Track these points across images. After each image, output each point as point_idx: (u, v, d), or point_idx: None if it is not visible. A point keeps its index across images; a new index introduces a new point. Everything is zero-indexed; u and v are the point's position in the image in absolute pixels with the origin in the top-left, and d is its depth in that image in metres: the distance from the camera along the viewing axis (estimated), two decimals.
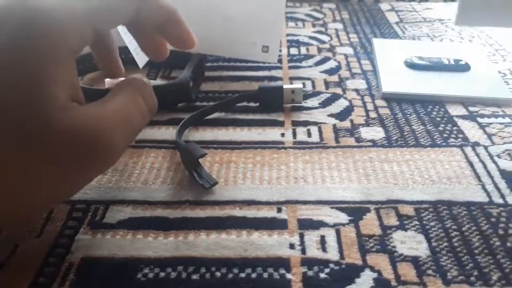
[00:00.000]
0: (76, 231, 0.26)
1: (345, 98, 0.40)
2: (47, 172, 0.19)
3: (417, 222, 0.26)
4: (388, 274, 0.23)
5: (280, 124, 0.36)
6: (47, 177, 0.19)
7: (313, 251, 0.24)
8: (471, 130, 0.35)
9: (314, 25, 0.59)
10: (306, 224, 0.26)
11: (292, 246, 0.25)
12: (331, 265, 0.23)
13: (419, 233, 0.25)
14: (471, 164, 0.31)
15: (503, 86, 0.41)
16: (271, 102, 0.39)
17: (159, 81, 0.44)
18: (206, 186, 0.29)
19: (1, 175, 0.18)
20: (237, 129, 0.36)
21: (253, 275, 0.23)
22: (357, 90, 0.42)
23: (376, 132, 0.35)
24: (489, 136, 0.34)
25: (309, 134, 0.35)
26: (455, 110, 0.38)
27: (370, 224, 0.26)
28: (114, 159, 0.22)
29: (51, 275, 0.23)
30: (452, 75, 0.42)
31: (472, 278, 0.23)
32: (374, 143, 0.34)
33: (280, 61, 0.48)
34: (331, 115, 0.38)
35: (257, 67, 0.46)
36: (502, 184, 0.29)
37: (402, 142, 0.34)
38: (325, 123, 0.36)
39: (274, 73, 0.45)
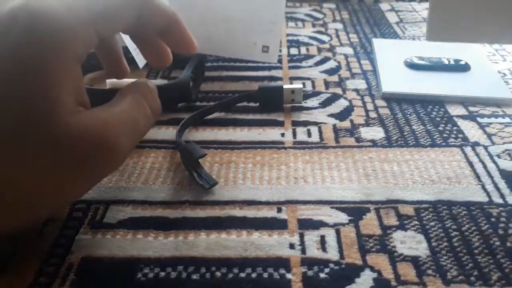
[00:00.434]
0: (76, 231, 0.26)
1: (345, 98, 0.40)
2: (56, 174, 0.20)
3: (417, 222, 0.26)
4: (388, 274, 0.23)
5: (280, 124, 0.36)
6: (56, 179, 0.20)
7: (313, 251, 0.24)
8: (471, 130, 0.35)
9: (314, 25, 0.59)
10: (306, 224, 0.26)
11: (292, 246, 0.25)
12: (331, 265, 0.23)
13: (419, 233, 0.25)
14: (471, 164, 0.31)
15: (503, 86, 0.41)
16: (271, 102, 0.39)
17: (159, 81, 0.44)
18: (206, 186, 0.29)
19: (13, 178, 0.19)
20: (237, 129, 0.36)
21: (253, 275, 0.23)
22: (357, 90, 0.42)
23: (376, 132, 0.35)
24: (489, 136, 0.34)
25: (309, 134, 0.35)
26: (455, 110, 0.38)
27: (370, 224, 0.26)
28: (119, 161, 0.23)
29: (51, 275, 0.23)
30: (452, 75, 0.42)
31: (472, 278, 0.23)
32: (374, 143, 0.34)
33: (280, 61, 0.48)
34: (331, 115, 0.38)
35: (257, 67, 0.46)
36: (502, 184, 0.29)
37: (402, 142, 0.34)
38: (325, 123, 0.36)
39: (274, 73, 0.45)
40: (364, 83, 0.43)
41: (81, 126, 0.20)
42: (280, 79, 0.44)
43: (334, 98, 0.40)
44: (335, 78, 0.44)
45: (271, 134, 0.35)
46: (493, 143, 0.33)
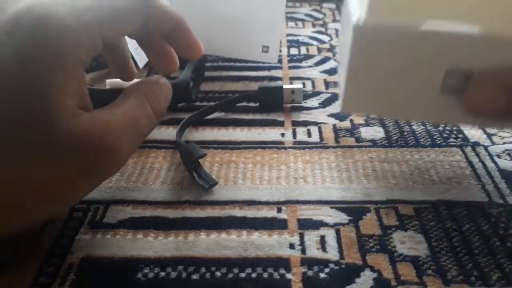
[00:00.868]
0: (76, 231, 0.26)
1: None
2: (56, 176, 0.20)
3: (417, 222, 0.26)
4: (388, 274, 0.23)
5: (280, 124, 0.36)
6: (56, 181, 0.20)
7: (313, 251, 0.24)
8: (471, 130, 0.35)
9: (314, 25, 0.59)
10: (306, 224, 0.26)
11: (292, 246, 0.25)
12: (331, 265, 0.23)
13: (419, 233, 0.25)
14: (471, 164, 0.31)
15: None
16: (271, 102, 0.39)
17: None
18: (206, 186, 0.29)
19: (13, 180, 0.19)
20: (237, 129, 0.36)
21: (253, 275, 0.23)
22: None
23: (376, 132, 0.35)
24: (489, 136, 0.34)
25: (309, 134, 0.35)
26: None
27: (370, 224, 0.26)
28: (120, 163, 0.23)
29: (51, 275, 0.23)
30: None
31: (472, 278, 0.23)
32: (374, 143, 0.34)
33: (280, 61, 0.48)
34: (331, 115, 0.38)
35: (257, 67, 0.46)
36: (502, 184, 0.29)
37: (402, 142, 0.34)
38: (325, 123, 0.36)
39: (274, 73, 0.45)
40: None
41: (81, 128, 0.20)
42: (280, 79, 0.44)
43: (334, 98, 0.40)
44: (335, 78, 0.44)
45: (271, 134, 0.35)
46: (493, 143, 0.33)
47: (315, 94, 0.41)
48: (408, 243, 0.25)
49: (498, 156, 0.32)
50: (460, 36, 0.21)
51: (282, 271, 0.23)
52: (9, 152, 0.19)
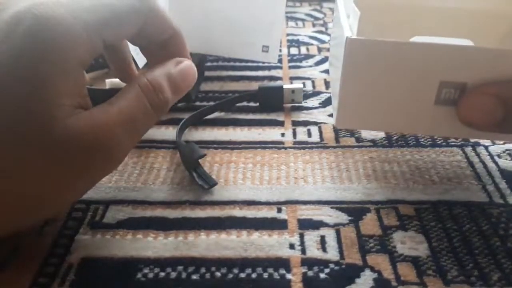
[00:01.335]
0: (76, 231, 0.26)
1: None
2: (52, 176, 0.20)
3: (417, 222, 0.26)
4: (388, 274, 0.23)
5: (280, 124, 0.36)
6: (52, 181, 0.20)
7: (313, 251, 0.24)
8: None
9: (314, 25, 0.59)
10: (306, 224, 0.26)
11: (292, 246, 0.25)
12: (331, 265, 0.23)
13: (419, 233, 0.25)
14: (471, 164, 0.31)
15: None
16: (271, 102, 0.38)
17: None
18: (206, 186, 0.29)
19: (8, 180, 0.19)
20: (237, 129, 0.36)
21: (253, 275, 0.23)
22: None
23: (376, 132, 0.35)
24: None
25: (309, 134, 0.35)
26: None
27: (370, 224, 0.26)
28: (117, 162, 0.22)
29: (51, 275, 0.23)
30: None
31: (472, 278, 0.23)
32: (374, 143, 0.34)
33: (280, 61, 0.48)
34: (331, 115, 0.38)
35: (257, 67, 0.46)
36: (502, 184, 0.29)
37: (403, 142, 0.34)
38: (325, 123, 0.36)
39: (274, 73, 0.45)
40: None
41: (77, 128, 0.20)
42: (280, 79, 0.44)
43: None
44: None
45: (271, 134, 0.35)
46: (494, 143, 0.33)
47: (315, 94, 0.41)
48: (408, 243, 0.25)
49: (499, 156, 0.32)
50: (451, 48, 0.21)
51: (282, 271, 0.23)
52: (6, 151, 0.19)
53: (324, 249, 0.25)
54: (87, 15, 0.21)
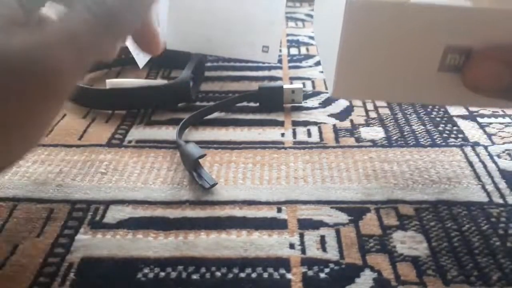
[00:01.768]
0: (76, 231, 0.26)
1: None
2: None
3: (417, 222, 0.26)
4: (388, 274, 0.23)
5: (280, 124, 0.36)
6: None
7: (313, 251, 0.24)
8: (471, 130, 0.35)
9: None
10: (306, 224, 0.26)
11: (292, 246, 0.25)
12: (331, 265, 0.23)
13: (419, 233, 0.25)
14: (471, 164, 0.31)
15: None
16: (271, 102, 0.39)
17: (159, 81, 0.44)
18: (206, 186, 0.29)
19: None
20: (237, 129, 0.36)
21: (253, 275, 0.23)
22: None
23: (376, 132, 0.35)
24: (489, 136, 0.34)
25: (309, 134, 0.35)
26: (455, 110, 0.38)
27: (370, 224, 0.26)
28: (61, 90, 0.18)
29: (51, 275, 0.23)
30: None
31: (472, 278, 0.23)
32: (374, 143, 0.34)
33: (280, 61, 0.48)
34: (331, 115, 0.38)
35: (257, 67, 0.46)
36: (502, 184, 0.29)
37: (402, 142, 0.34)
38: (325, 123, 0.36)
39: (274, 73, 0.45)
40: None
41: (11, 46, 0.16)
42: (280, 79, 0.44)
43: (334, 98, 0.40)
44: None
45: (271, 134, 0.35)
46: (493, 143, 0.33)
47: (315, 94, 0.41)
48: (408, 243, 0.25)
49: (498, 156, 0.32)
50: (458, 9, 0.20)
51: (282, 271, 0.23)
52: None
53: (324, 249, 0.25)
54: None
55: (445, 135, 0.35)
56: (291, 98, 0.38)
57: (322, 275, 0.23)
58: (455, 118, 0.37)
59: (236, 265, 0.23)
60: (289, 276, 0.23)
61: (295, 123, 0.36)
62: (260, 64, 0.46)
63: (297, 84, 0.39)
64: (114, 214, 0.27)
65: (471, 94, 0.22)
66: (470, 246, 0.25)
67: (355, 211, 0.27)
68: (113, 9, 0.19)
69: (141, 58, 0.43)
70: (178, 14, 0.41)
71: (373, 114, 0.38)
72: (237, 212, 0.27)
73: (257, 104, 0.39)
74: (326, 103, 0.40)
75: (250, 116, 0.38)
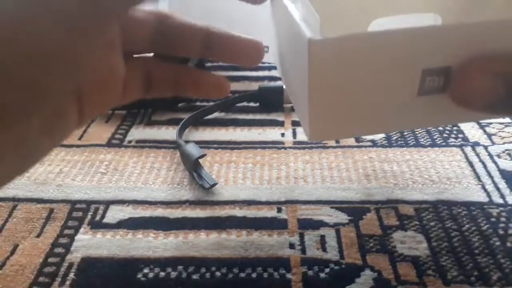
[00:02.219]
0: (76, 231, 0.26)
1: None
2: None
3: (417, 222, 0.26)
4: (388, 274, 0.23)
5: (280, 124, 0.36)
6: None
7: (313, 251, 0.24)
8: (471, 130, 0.35)
9: None
10: (306, 224, 0.26)
11: (292, 246, 0.25)
12: (331, 265, 0.23)
13: (419, 233, 0.25)
14: (471, 164, 0.31)
15: None
16: (271, 102, 0.39)
17: None
18: (206, 186, 0.29)
19: None
20: (237, 129, 0.36)
21: (253, 275, 0.23)
22: None
23: None
24: (489, 136, 0.34)
25: None
26: None
27: (370, 224, 0.26)
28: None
29: (51, 275, 0.23)
30: None
31: (472, 278, 0.23)
32: (374, 143, 0.34)
33: None
34: None
35: (257, 67, 0.46)
36: (502, 184, 0.29)
37: (402, 142, 0.34)
38: None
39: (274, 73, 0.45)
40: None
41: None
42: (280, 79, 0.44)
43: None
44: None
45: (271, 134, 0.35)
46: (493, 143, 0.33)
47: None
48: (408, 243, 0.25)
49: (498, 156, 0.32)
50: (434, 30, 0.19)
51: (282, 271, 0.23)
52: None
53: (324, 249, 0.25)
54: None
55: (445, 135, 0.35)
56: None
57: (322, 275, 0.23)
58: None
59: (236, 265, 0.24)
60: (289, 276, 0.23)
61: (295, 123, 0.36)
62: (260, 64, 0.46)
63: None
64: (114, 214, 0.27)
65: (455, 112, 0.20)
66: (470, 246, 0.25)
67: (355, 211, 0.27)
68: None
69: None
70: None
71: None
72: (237, 212, 0.27)
73: (257, 104, 0.39)
74: None
75: (250, 116, 0.38)
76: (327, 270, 0.23)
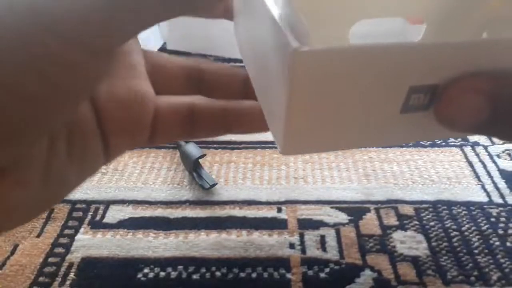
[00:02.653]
0: (76, 230, 0.26)
1: None
2: None
3: (417, 222, 0.26)
4: (388, 274, 0.23)
5: None
6: None
7: (313, 251, 0.24)
8: None
9: None
10: (306, 224, 0.26)
11: (292, 246, 0.25)
12: (331, 265, 0.23)
13: (419, 233, 0.25)
14: (470, 164, 0.31)
15: None
16: None
17: None
18: (206, 186, 0.29)
19: None
20: None
21: (253, 275, 0.23)
22: None
23: None
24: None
25: None
26: None
27: (370, 224, 0.26)
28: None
29: (51, 275, 0.23)
30: None
31: (472, 278, 0.23)
32: None
33: None
34: None
35: None
36: (501, 184, 0.29)
37: None
38: None
39: None
40: None
41: None
42: None
43: None
44: None
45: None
46: (493, 143, 0.33)
47: None
48: (408, 243, 0.25)
49: (498, 156, 0.32)
50: (425, 47, 0.18)
51: (282, 271, 0.23)
52: None
53: (324, 248, 0.25)
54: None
55: None
56: None
57: (322, 275, 0.23)
58: None
59: (236, 265, 0.24)
60: (289, 276, 0.23)
61: None
62: None
63: None
64: (114, 214, 0.27)
65: (437, 129, 0.20)
66: (470, 246, 0.25)
67: (355, 211, 0.27)
68: None
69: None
70: None
71: None
72: (237, 212, 0.27)
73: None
74: None
75: None
76: (327, 270, 0.23)
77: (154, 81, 0.20)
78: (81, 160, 0.17)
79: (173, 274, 0.23)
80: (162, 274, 0.23)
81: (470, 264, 0.23)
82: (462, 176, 0.30)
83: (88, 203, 0.28)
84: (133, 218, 0.27)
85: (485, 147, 0.33)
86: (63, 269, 0.23)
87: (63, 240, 0.25)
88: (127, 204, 0.28)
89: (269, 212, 0.27)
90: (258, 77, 0.22)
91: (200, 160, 0.30)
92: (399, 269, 0.23)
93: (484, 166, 0.31)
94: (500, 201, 0.28)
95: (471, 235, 0.25)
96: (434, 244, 0.25)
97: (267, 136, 0.35)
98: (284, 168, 0.31)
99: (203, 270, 0.23)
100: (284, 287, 0.22)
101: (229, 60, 0.47)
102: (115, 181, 0.30)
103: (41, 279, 0.23)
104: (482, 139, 0.34)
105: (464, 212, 0.27)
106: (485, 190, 0.29)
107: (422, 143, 0.34)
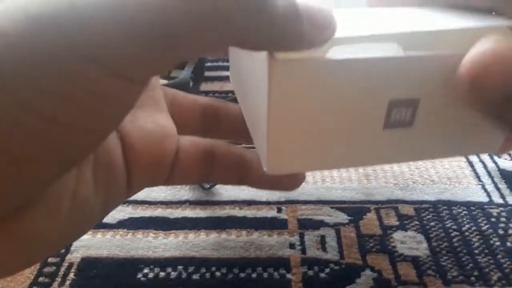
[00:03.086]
0: None
1: None
2: None
3: (417, 222, 0.26)
4: (388, 274, 0.23)
5: None
6: None
7: (313, 251, 0.24)
8: None
9: None
10: (306, 224, 0.26)
11: (292, 246, 0.25)
12: (331, 265, 0.23)
13: (419, 233, 0.25)
14: (471, 164, 0.31)
15: None
16: None
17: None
18: (206, 186, 0.29)
19: None
20: None
21: (253, 275, 0.23)
22: None
23: None
24: None
25: None
26: None
27: (370, 224, 0.26)
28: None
29: (51, 275, 0.23)
30: None
31: (472, 278, 0.23)
32: None
33: None
34: None
35: None
36: (502, 184, 0.29)
37: None
38: None
39: None
40: None
41: None
42: None
43: None
44: None
45: None
46: None
47: None
48: (408, 243, 0.25)
49: (498, 156, 0.32)
50: (407, 60, 0.17)
51: (282, 271, 0.23)
52: None
53: (324, 249, 0.25)
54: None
55: None
56: None
57: (322, 275, 0.23)
58: None
59: (236, 265, 0.23)
60: (289, 276, 0.23)
61: None
62: None
63: None
64: (114, 214, 0.27)
65: (424, 148, 0.19)
66: (470, 246, 0.25)
67: (355, 211, 0.27)
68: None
69: None
70: None
71: None
72: (237, 212, 0.27)
73: None
74: None
75: None
76: (327, 270, 0.23)
77: (172, 118, 0.20)
78: (106, 191, 0.17)
79: (173, 274, 0.23)
80: (162, 274, 0.23)
81: (471, 264, 0.23)
82: (462, 176, 0.30)
83: None
84: (133, 218, 0.27)
85: None
86: (62, 269, 0.23)
87: None
88: (127, 204, 0.28)
89: (269, 212, 0.27)
90: (247, 105, 0.21)
91: None
92: (400, 269, 0.23)
93: (485, 166, 0.31)
94: (500, 201, 0.28)
95: (471, 235, 0.25)
96: (434, 244, 0.25)
97: None
98: None
99: (203, 270, 0.23)
100: (284, 287, 0.22)
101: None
102: None
103: (40, 279, 0.23)
104: None
105: (464, 212, 0.27)
106: (485, 190, 0.29)
107: None
